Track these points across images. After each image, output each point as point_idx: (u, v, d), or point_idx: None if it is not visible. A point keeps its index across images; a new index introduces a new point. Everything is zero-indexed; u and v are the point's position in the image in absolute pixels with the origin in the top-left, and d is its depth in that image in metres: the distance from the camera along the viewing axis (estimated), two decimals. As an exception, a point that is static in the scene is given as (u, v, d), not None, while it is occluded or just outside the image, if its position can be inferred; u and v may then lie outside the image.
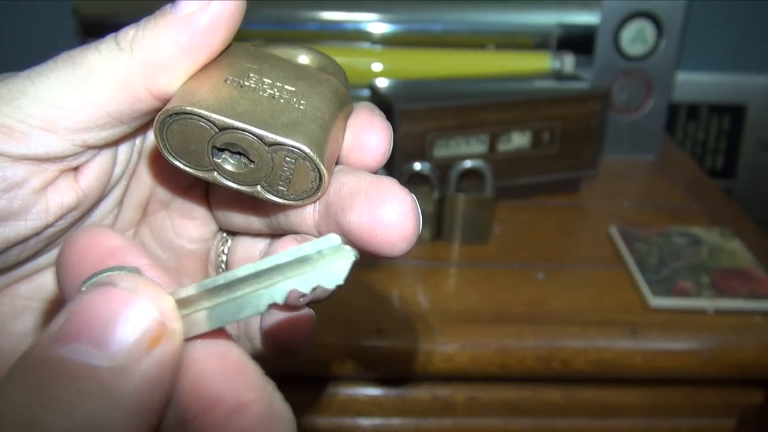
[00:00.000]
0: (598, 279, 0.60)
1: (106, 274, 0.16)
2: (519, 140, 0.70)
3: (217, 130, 0.19)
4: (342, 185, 0.20)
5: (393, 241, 0.19)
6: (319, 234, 0.21)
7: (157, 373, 0.14)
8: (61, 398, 0.13)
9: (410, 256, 0.63)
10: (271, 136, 0.19)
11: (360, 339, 0.52)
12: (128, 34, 0.20)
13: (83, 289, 0.16)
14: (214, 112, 0.19)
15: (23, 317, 0.23)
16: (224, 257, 0.25)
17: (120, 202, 0.24)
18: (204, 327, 0.16)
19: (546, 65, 0.80)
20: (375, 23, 0.81)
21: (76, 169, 0.21)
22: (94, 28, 0.81)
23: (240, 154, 0.20)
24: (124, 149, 0.22)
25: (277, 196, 0.21)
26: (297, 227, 0.22)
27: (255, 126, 0.19)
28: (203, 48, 0.20)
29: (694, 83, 0.99)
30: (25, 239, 0.20)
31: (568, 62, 0.80)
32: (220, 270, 0.25)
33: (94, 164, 0.21)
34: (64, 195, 0.20)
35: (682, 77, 0.97)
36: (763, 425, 0.58)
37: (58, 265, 0.17)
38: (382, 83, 0.72)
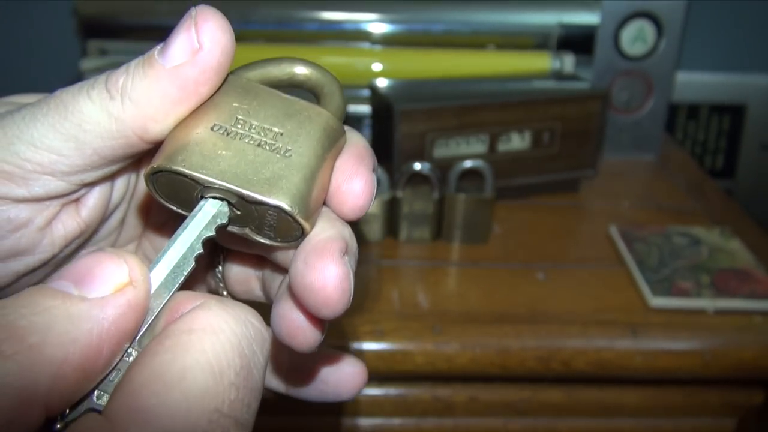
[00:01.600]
0: (598, 279, 0.60)
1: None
2: (519, 140, 0.70)
3: (201, 185, 0.20)
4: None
5: (317, 306, 0.20)
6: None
7: (114, 311, 0.17)
8: (35, 307, 0.16)
9: (410, 256, 0.63)
10: (252, 195, 0.20)
11: (360, 339, 0.52)
12: (118, 81, 0.20)
13: None
14: (197, 171, 0.20)
15: None
16: (220, 267, 0.27)
17: (122, 221, 0.25)
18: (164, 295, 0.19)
19: (546, 65, 0.80)
20: (375, 23, 0.81)
21: (77, 200, 0.22)
22: (94, 28, 0.81)
23: (227, 201, 0.21)
24: (121, 176, 0.23)
25: (265, 239, 0.22)
26: (281, 260, 0.24)
27: (236, 185, 0.20)
28: (193, 98, 0.20)
29: (694, 83, 0.99)
30: (34, 270, 0.22)
31: (568, 62, 0.80)
32: (218, 278, 0.27)
33: (94, 194, 0.22)
34: (67, 227, 0.22)
35: (682, 77, 0.97)
36: (764, 425, 0.58)
37: None
38: (382, 83, 0.72)
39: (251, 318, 0.18)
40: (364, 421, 0.58)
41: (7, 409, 0.14)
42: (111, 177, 0.22)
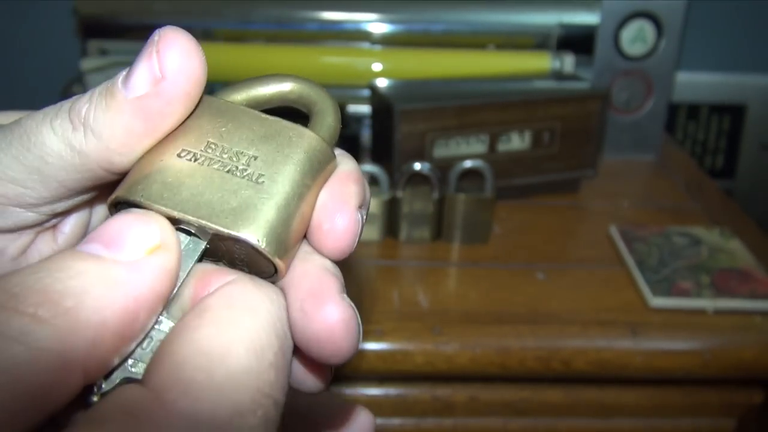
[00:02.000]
0: (598, 279, 0.60)
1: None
2: (519, 140, 0.70)
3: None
4: (287, 276, 0.19)
5: (326, 356, 0.18)
6: None
7: (150, 274, 0.16)
8: (69, 271, 0.15)
9: (410, 256, 0.63)
10: (213, 227, 0.18)
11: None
12: (81, 111, 0.18)
13: None
14: (155, 202, 0.18)
15: None
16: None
17: None
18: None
19: (546, 65, 0.80)
20: (375, 23, 0.81)
21: (53, 227, 0.21)
22: (94, 28, 0.81)
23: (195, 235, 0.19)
24: (100, 202, 0.22)
25: (242, 272, 0.20)
26: None
27: (197, 216, 0.18)
28: (159, 130, 0.19)
29: (694, 83, 0.99)
30: None
31: (568, 62, 0.80)
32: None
33: (71, 221, 0.21)
34: (44, 255, 0.21)
35: (682, 77, 0.97)
36: (763, 425, 0.58)
37: None
38: (382, 83, 0.72)
39: (282, 300, 0.18)
40: (364, 421, 0.58)
41: (46, 373, 0.14)
42: (87, 203, 0.21)
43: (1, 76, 0.97)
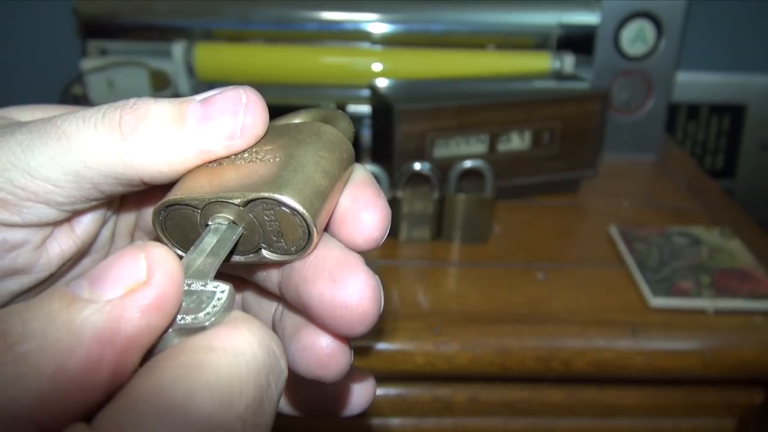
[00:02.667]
0: (598, 279, 0.60)
1: None
2: (519, 140, 0.70)
3: (198, 210, 0.20)
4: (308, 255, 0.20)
5: (352, 324, 0.19)
6: (281, 293, 0.21)
7: (119, 315, 0.15)
8: (36, 312, 0.15)
9: (410, 256, 0.63)
10: (237, 193, 0.19)
11: (360, 339, 0.52)
12: (135, 123, 0.19)
13: None
14: (187, 194, 0.19)
15: None
16: None
17: (113, 234, 0.24)
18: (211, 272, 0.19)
19: (546, 65, 0.80)
20: (375, 23, 0.81)
21: (70, 219, 0.21)
22: (94, 28, 0.81)
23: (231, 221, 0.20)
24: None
25: (280, 254, 0.20)
26: (262, 281, 0.22)
27: (224, 191, 0.19)
28: (206, 161, 0.20)
29: (694, 83, 0.99)
30: (30, 289, 0.21)
31: (568, 62, 0.80)
32: None
33: (88, 213, 0.22)
34: (63, 245, 0.21)
35: (682, 77, 0.97)
36: (764, 425, 0.58)
37: None
38: (382, 83, 0.72)
39: (274, 345, 0.17)
40: (364, 421, 0.58)
41: None
42: (103, 206, 0.22)
43: (1, 76, 0.97)
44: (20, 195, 0.19)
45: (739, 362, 0.53)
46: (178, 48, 0.78)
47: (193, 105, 0.19)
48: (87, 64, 0.79)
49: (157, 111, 0.19)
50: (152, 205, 0.24)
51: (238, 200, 0.19)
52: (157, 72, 0.80)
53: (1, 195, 0.19)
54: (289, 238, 0.20)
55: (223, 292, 0.17)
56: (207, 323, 0.17)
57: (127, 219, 0.24)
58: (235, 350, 0.16)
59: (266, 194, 0.19)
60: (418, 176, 0.63)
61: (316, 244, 0.20)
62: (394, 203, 0.64)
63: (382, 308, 0.19)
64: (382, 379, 0.57)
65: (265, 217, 0.19)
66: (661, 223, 0.69)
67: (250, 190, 0.19)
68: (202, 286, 0.18)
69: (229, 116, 0.19)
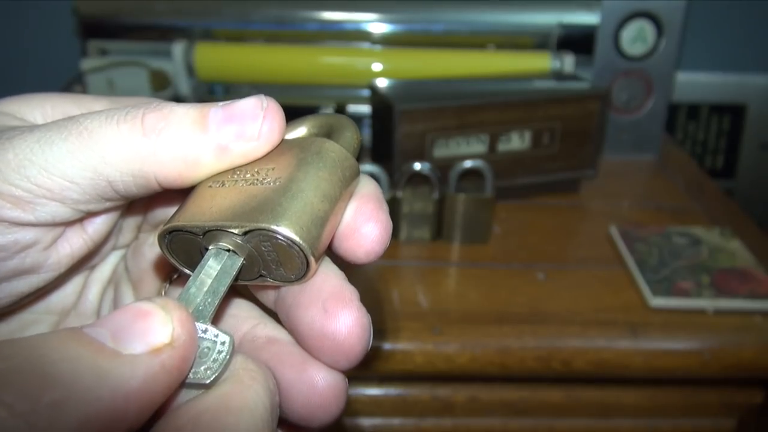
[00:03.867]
0: (598, 279, 0.60)
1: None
2: (519, 140, 0.70)
3: (200, 236, 0.20)
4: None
5: (335, 357, 0.19)
6: (275, 310, 0.22)
7: (145, 372, 0.16)
8: (65, 352, 0.15)
9: (410, 256, 0.63)
10: (236, 224, 0.19)
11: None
12: (158, 123, 0.19)
13: None
14: (189, 221, 0.19)
15: (31, 329, 0.23)
16: (168, 285, 0.25)
17: (120, 228, 0.24)
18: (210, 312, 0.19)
19: (546, 65, 0.80)
20: (375, 23, 0.81)
21: (82, 219, 0.21)
22: (94, 28, 0.81)
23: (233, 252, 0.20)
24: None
25: (282, 281, 0.20)
26: (259, 296, 0.22)
27: (223, 220, 0.19)
28: (223, 167, 0.20)
29: (694, 83, 0.99)
30: (37, 290, 0.21)
31: (568, 62, 0.80)
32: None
33: (102, 215, 0.22)
34: (73, 245, 0.21)
35: (682, 77, 0.97)
36: (763, 425, 0.58)
37: None
38: (382, 83, 0.72)
39: (272, 384, 0.18)
40: (364, 421, 0.58)
41: None
42: (116, 209, 0.22)
43: (1, 76, 0.97)
44: (36, 192, 0.19)
45: (739, 362, 0.53)
46: (178, 48, 0.78)
47: (215, 109, 0.20)
48: (87, 64, 0.79)
49: (180, 112, 0.19)
50: (161, 205, 0.24)
51: (237, 230, 0.19)
52: (157, 72, 0.80)
53: (16, 192, 0.18)
54: (287, 267, 0.20)
55: (223, 344, 0.18)
56: (208, 381, 0.17)
57: (134, 216, 0.24)
58: (250, 407, 0.17)
59: (264, 225, 0.19)
60: (418, 176, 0.63)
61: (315, 272, 0.20)
62: (394, 203, 0.64)
63: (369, 346, 0.19)
64: (382, 379, 0.57)
65: (263, 248, 0.19)
66: (661, 223, 0.69)
67: (248, 220, 0.19)
68: (203, 332, 0.18)
69: (250, 120, 0.20)
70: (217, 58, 0.80)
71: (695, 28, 0.95)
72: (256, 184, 0.20)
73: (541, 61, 0.80)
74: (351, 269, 0.21)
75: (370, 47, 0.82)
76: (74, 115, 0.20)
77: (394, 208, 0.64)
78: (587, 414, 0.59)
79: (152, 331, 0.16)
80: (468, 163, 0.63)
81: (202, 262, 0.20)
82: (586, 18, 0.80)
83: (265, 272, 0.20)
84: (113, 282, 0.25)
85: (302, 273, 0.20)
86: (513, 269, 0.62)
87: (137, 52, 0.81)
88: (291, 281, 0.20)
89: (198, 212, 0.20)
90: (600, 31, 0.80)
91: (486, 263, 0.62)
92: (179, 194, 0.22)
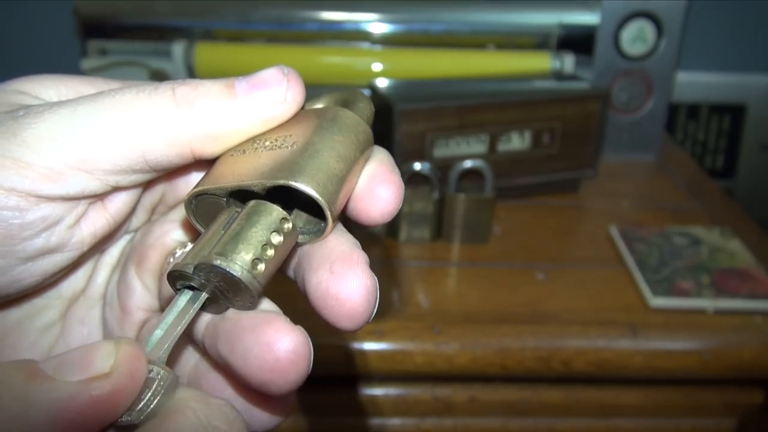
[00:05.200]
0: (598, 279, 0.60)
1: None
2: (519, 140, 0.70)
3: (223, 198, 0.21)
4: (321, 243, 0.21)
5: (339, 318, 0.19)
6: (294, 277, 0.22)
7: (71, 400, 0.16)
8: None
9: (410, 256, 0.63)
10: (256, 182, 0.20)
11: (360, 339, 0.52)
12: (189, 94, 0.20)
13: None
14: (212, 184, 0.21)
15: (41, 314, 0.23)
16: (172, 259, 0.25)
17: (135, 212, 0.25)
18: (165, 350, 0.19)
19: (546, 65, 0.80)
20: (375, 23, 0.81)
21: (104, 198, 0.22)
22: (94, 28, 0.81)
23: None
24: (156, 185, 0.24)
25: (310, 235, 0.21)
26: None
27: (243, 180, 0.20)
28: (250, 133, 0.21)
29: (694, 83, 0.99)
30: (62, 269, 0.21)
31: (568, 62, 0.80)
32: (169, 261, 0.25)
33: (123, 193, 0.22)
34: (96, 224, 0.21)
35: (682, 77, 0.97)
36: (763, 425, 0.58)
37: None
38: (382, 83, 0.72)
39: (219, 423, 0.18)
40: (364, 421, 0.58)
41: None
42: (144, 185, 0.22)
43: (1, 76, 0.97)
44: (68, 162, 0.19)
45: (739, 362, 0.53)
46: (178, 48, 0.78)
47: (239, 80, 0.21)
48: (87, 64, 0.79)
49: (208, 84, 0.21)
50: (178, 185, 0.25)
51: (257, 188, 0.20)
52: (157, 72, 0.80)
53: (48, 164, 0.19)
54: (314, 222, 0.21)
55: (161, 381, 0.18)
56: (137, 422, 0.17)
57: (152, 195, 0.24)
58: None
59: (282, 181, 0.19)
60: (418, 176, 0.63)
61: (332, 229, 0.20)
62: (394, 203, 0.64)
63: (375, 310, 0.20)
64: (382, 379, 0.57)
65: (219, 284, 0.20)
66: (661, 223, 0.69)
67: (268, 178, 0.20)
68: (149, 371, 0.18)
69: (275, 85, 0.21)
70: (217, 58, 0.80)
71: (695, 28, 0.95)
72: (275, 149, 0.21)
73: (541, 61, 0.80)
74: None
75: (370, 47, 0.82)
76: (102, 91, 0.20)
77: (394, 208, 0.64)
78: (587, 414, 0.59)
79: (93, 361, 0.16)
80: (468, 163, 0.63)
81: (171, 302, 0.20)
82: (586, 18, 0.80)
83: (229, 299, 0.20)
84: (119, 264, 0.25)
85: (320, 228, 0.21)
86: (513, 269, 0.62)
87: (137, 52, 0.81)
88: (317, 235, 0.21)
89: (221, 176, 0.21)
90: (600, 31, 0.80)
91: (486, 263, 0.62)
92: (204, 170, 0.23)
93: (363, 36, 0.82)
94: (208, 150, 0.21)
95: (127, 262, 0.25)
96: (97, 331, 0.25)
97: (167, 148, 0.20)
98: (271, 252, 0.19)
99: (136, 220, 0.25)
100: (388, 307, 0.56)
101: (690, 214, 0.73)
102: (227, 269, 0.19)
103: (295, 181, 0.19)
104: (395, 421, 0.58)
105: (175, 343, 0.19)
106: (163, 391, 0.18)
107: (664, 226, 0.67)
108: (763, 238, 0.67)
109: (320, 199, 0.19)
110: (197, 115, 0.20)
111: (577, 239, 0.68)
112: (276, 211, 0.20)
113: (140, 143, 0.20)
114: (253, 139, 0.22)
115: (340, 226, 0.21)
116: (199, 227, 0.22)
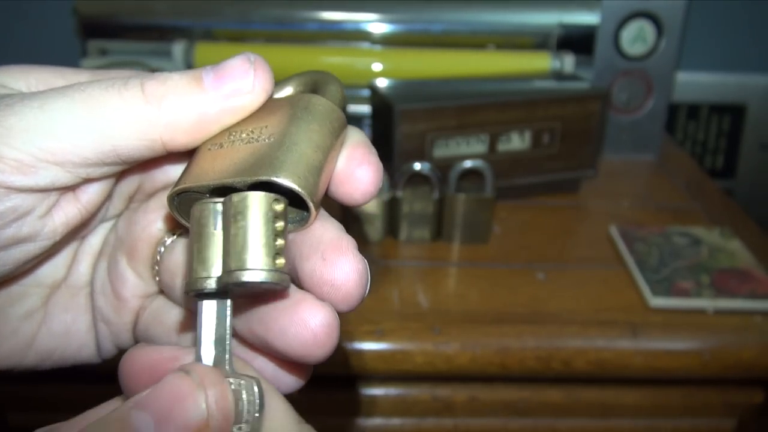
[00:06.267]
0: (598, 279, 0.60)
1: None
2: (519, 140, 0.70)
3: (206, 194, 0.21)
4: (307, 231, 0.21)
5: (336, 302, 0.20)
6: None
7: None
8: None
9: (410, 256, 0.63)
10: (238, 179, 0.20)
11: (360, 339, 0.52)
12: (157, 89, 0.20)
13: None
14: (194, 182, 0.21)
15: (22, 302, 0.24)
16: (163, 248, 0.25)
17: (111, 201, 0.25)
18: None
19: (546, 65, 0.80)
20: (375, 23, 0.81)
21: (75, 188, 0.22)
22: (94, 28, 0.81)
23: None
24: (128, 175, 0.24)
25: (294, 224, 0.22)
26: None
27: (225, 177, 0.20)
28: (222, 124, 0.21)
29: (694, 83, 0.99)
30: (35, 257, 0.22)
31: (568, 62, 0.80)
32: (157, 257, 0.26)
33: (95, 183, 0.22)
34: (68, 214, 0.22)
35: (682, 77, 0.97)
36: (763, 425, 0.58)
37: (125, 387, 0.20)
38: (382, 83, 0.72)
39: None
40: (364, 421, 0.58)
41: None
42: (115, 176, 0.23)
43: (1, 76, 0.97)
44: (39, 155, 0.19)
45: (739, 362, 0.53)
46: (178, 48, 0.78)
47: (207, 71, 0.21)
48: (87, 64, 0.79)
49: (175, 77, 0.21)
50: (154, 174, 0.25)
51: (240, 185, 0.20)
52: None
53: (20, 156, 0.19)
54: (296, 214, 0.22)
55: (252, 390, 0.19)
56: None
57: (128, 185, 0.25)
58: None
59: (264, 177, 0.20)
60: (418, 176, 0.63)
61: (315, 218, 0.21)
62: (394, 203, 0.64)
63: (367, 291, 0.21)
64: (382, 379, 0.57)
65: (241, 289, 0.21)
66: (661, 223, 0.69)
67: (249, 175, 0.20)
68: (230, 384, 0.19)
69: (242, 74, 0.21)
70: (217, 58, 0.79)
71: (695, 28, 0.95)
72: (252, 142, 0.21)
73: (541, 61, 0.80)
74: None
75: (370, 47, 0.82)
76: (73, 83, 0.21)
77: (394, 208, 0.64)
78: (587, 414, 0.59)
79: (189, 414, 0.17)
80: (468, 163, 0.63)
81: (197, 318, 0.21)
82: (586, 18, 0.80)
83: (255, 293, 0.21)
84: (105, 254, 0.25)
85: (306, 216, 0.21)
86: (513, 269, 0.62)
87: (137, 52, 0.81)
88: (298, 225, 0.22)
89: (202, 173, 0.21)
90: (600, 31, 0.80)
91: (486, 263, 0.62)
92: (180, 160, 0.23)
93: (363, 36, 0.82)
94: (180, 143, 0.21)
95: (116, 253, 0.25)
96: (82, 317, 0.25)
97: (138, 142, 0.20)
98: (281, 241, 0.20)
99: (113, 209, 0.25)
100: (388, 307, 0.56)
101: (690, 214, 0.73)
102: (257, 280, 0.19)
103: (277, 177, 0.20)
104: (395, 421, 0.58)
105: (231, 350, 0.20)
106: (258, 400, 0.19)
107: (664, 226, 0.67)
108: (763, 238, 0.67)
109: (303, 192, 0.20)
110: (166, 110, 0.20)
111: (577, 239, 0.68)
112: (264, 198, 0.20)
113: (111, 138, 0.20)
114: (229, 131, 0.22)
115: (322, 211, 0.22)
116: (184, 222, 0.22)
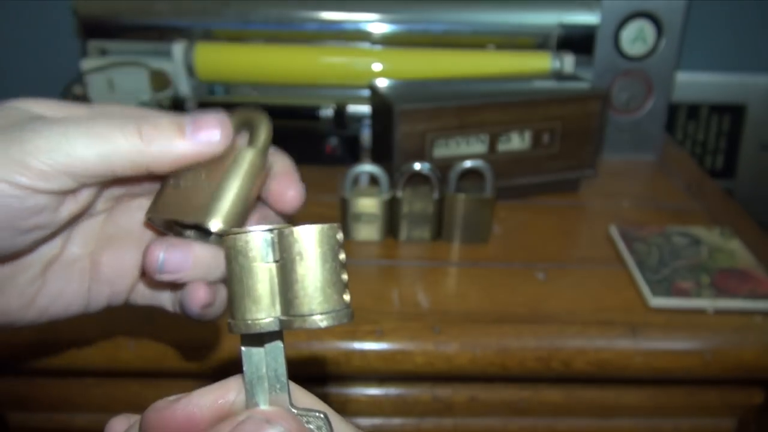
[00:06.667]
0: (598, 279, 0.60)
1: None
2: (519, 140, 0.70)
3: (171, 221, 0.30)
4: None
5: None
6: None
7: None
8: None
9: (410, 256, 0.63)
10: (185, 220, 0.29)
11: (360, 339, 0.52)
12: (151, 133, 0.28)
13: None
14: (159, 213, 0.30)
15: (27, 271, 0.30)
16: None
17: (99, 200, 0.32)
18: None
19: (546, 65, 0.80)
20: (375, 23, 0.81)
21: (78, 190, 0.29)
22: (94, 28, 0.81)
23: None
24: None
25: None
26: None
27: (177, 216, 0.29)
28: (190, 164, 0.29)
29: (694, 83, 0.99)
30: (45, 238, 0.30)
31: (568, 62, 0.80)
32: None
33: (90, 188, 0.30)
34: (70, 209, 0.29)
35: (682, 77, 0.97)
36: (763, 425, 0.58)
37: None
38: (382, 83, 0.72)
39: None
40: (364, 421, 0.58)
41: None
42: (106, 185, 0.31)
43: (1, 76, 0.97)
44: (57, 168, 0.26)
45: (739, 362, 0.53)
46: (178, 48, 0.78)
47: (188, 123, 0.29)
48: (87, 64, 0.79)
49: (165, 123, 0.28)
50: (137, 186, 0.33)
51: (187, 222, 0.29)
52: (157, 72, 0.80)
53: (43, 168, 0.26)
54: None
55: (320, 425, 0.20)
56: None
57: (118, 190, 0.32)
58: None
59: (200, 220, 0.28)
60: (418, 176, 0.63)
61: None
62: (394, 203, 0.64)
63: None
64: (382, 379, 0.57)
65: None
66: (661, 223, 0.69)
67: (192, 216, 0.29)
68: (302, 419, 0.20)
69: (213, 128, 0.29)
70: (217, 58, 0.80)
71: (695, 28, 0.95)
72: (199, 188, 0.29)
73: (541, 61, 0.80)
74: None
75: (370, 47, 0.82)
76: (86, 117, 0.28)
77: (394, 208, 0.64)
78: (587, 414, 0.59)
79: None
80: (468, 163, 0.63)
81: (243, 359, 0.21)
82: (586, 18, 0.81)
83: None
84: (97, 238, 0.33)
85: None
86: (513, 269, 0.62)
87: (137, 52, 0.81)
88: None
89: (164, 207, 0.30)
90: (600, 31, 0.80)
91: (486, 263, 0.62)
92: (155, 179, 0.31)
93: (363, 36, 0.82)
94: (161, 171, 0.29)
95: (112, 239, 0.33)
96: (73, 283, 0.32)
97: (131, 166, 0.28)
98: (345, 275, 0.20)
99: (101, 205, 0.32)
100: (388, 307, 0.56)
101: (690, 214, 0.73)
102: (334, 324, 0.20)
103: (206, 221, 0.28)
104: (395, 421, 0.58)
105: (289, 387, 0.22)
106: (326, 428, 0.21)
107: (664, 226, 0.67)
108: (763, 238, 0.67)
109: (223, 228, 0.28)
110: (156, 149, 0.28)
111: (577, 239, 0.68)
112: (329, 230, 0.20)
113: (112, 163, 0.27)
114: (193, 171, 0.30)
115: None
116: (162, 230, 0.31)
